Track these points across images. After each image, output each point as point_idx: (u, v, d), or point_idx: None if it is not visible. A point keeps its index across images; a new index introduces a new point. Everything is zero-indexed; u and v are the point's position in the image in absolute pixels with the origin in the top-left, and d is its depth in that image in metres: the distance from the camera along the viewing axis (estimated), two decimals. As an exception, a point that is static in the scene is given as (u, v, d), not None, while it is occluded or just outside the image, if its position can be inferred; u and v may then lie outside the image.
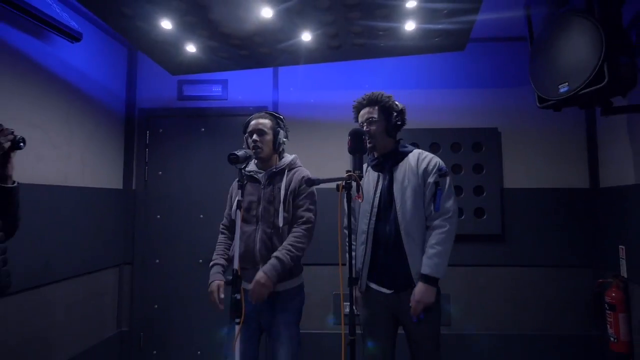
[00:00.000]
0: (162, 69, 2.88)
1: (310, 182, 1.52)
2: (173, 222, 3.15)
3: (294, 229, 1.90)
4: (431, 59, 3.04)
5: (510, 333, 2.96)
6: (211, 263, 1.99)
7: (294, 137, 3.15)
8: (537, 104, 2.14)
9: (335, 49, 2.47)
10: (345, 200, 1.54)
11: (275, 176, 1.97)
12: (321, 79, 3.18)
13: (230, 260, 1.96)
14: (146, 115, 3.25)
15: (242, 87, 3.24)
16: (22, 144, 1.56)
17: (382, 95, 1.85)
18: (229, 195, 2.13)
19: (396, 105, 1.88)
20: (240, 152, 1.71)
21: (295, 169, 2.01)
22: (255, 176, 1.97)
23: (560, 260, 2.97)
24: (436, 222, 1.73)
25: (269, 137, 1.97)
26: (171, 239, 3.15)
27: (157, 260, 3.15)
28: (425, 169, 1.79)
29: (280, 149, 2.02)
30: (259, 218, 1.91)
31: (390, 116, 1.82)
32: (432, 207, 1.74)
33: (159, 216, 3.18)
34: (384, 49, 2.48)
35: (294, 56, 2.57)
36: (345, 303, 1.54)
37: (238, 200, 1.67)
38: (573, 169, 3.04)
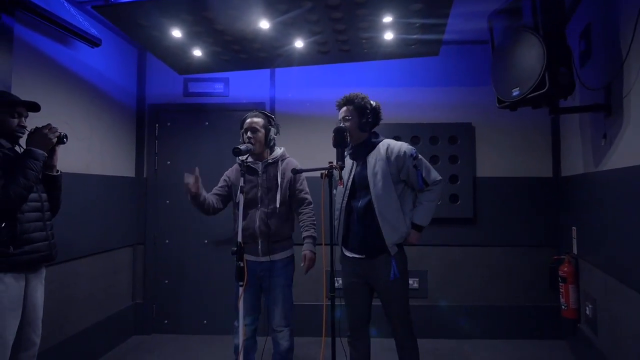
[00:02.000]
0: (169, 68, 3.20)
1: (296, 171, 1.88)
2: (180, 206, 3.51)
3: (303, 210, 2.36)
4: (413, 60, 3.33)
5: (479, 304, 3.37)
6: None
7: (289, 129, 3.51)
8: (497, 104, 2.48)
9: (324, 54, 2.80)
10: (327, 185, 1.89)
11: (269, 166, 2.34)
12: (314, 78, 3.51)
13: (204, 200, 2.30)
14: (155, 110, 3.58)
15: (242, 85, 3.57)
16: (65, 139, 1.91)
17: (357, 96, 2.15)
18: (224, 177, 2.44)
19: (369, 104, 2.16)
20: (242, 147, 2.06)
21: (286, 160, 2.40)
22: (253, 166, 2.32)
23: (524, 241, 3.36)
24: (427, 188, 2.10)
25: (261, 134, 2.32)
26: (179, 221, 3.52)
27: (167, 241, 3.52)
28: (397, 157, 2.05)
29: (272, 144, 2.37)
30: (259, 201, 2.28)
31: (362, 114, 2.13)
32: (418, 185, 2.09)
33: (168, 201, 3.54)
34: (367, 54, 2.82)
35: (289, 59, 2.90)
36: (326, 272, 1.89)
37: (241, 187, 2.03)
38: (538, 160, 3.40)
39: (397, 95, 3.44)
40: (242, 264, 1.96)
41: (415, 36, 2.51)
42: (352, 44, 2.64)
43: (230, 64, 3.01)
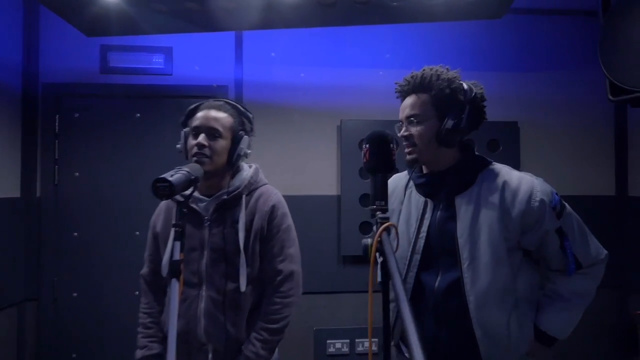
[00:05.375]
0: (75, 29, 2.03)
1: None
2: (97, 241, 2.33)
3: (269, 294, 1.26)
4: (442, 34, 2.47)
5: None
6: (141, 353, 1.28)
7: (264, 128, 2.41)
8: (610, 96, 1.57)
9: (329, 8, 1.72)
10: (379, 268, 0.84)
11: (225, 207, 1.25)
12: (302, 51, 2.44)
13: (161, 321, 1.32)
14: (54, 93, 2.34)
15: (192, 58, 2.41)
16: None
17: (438, 75, 1.11)
18: (151, 233, 1.39)
19: (463, 90, 1.11)
20: (174, 176, 0.96)
21: (258, 192, 1.29)
22: (195, 206, 1.23)
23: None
24: (580, 271, 1.15)
25: (225, 143, 1.23)
26: (95, 264, 2.33)
27: (75, 294, 2.33)
28: (527, 210, 1.08)
29: (238, 164, 1.29)
30: (203, 277, 1.21)
31: (449, 112, 1.09)
32: (569, 268, 1.13)
33: (76, 233, 2.34)
34: (394, 11, 1.78)
35: (268, 16, 1.79)
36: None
37: (171, 252, 0.95)
38: (598, 173, 2.61)
39: (417, 80, 2.45)
40: None
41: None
42: (378, -12, 1.59)
43: (171, 20, 1.85)
